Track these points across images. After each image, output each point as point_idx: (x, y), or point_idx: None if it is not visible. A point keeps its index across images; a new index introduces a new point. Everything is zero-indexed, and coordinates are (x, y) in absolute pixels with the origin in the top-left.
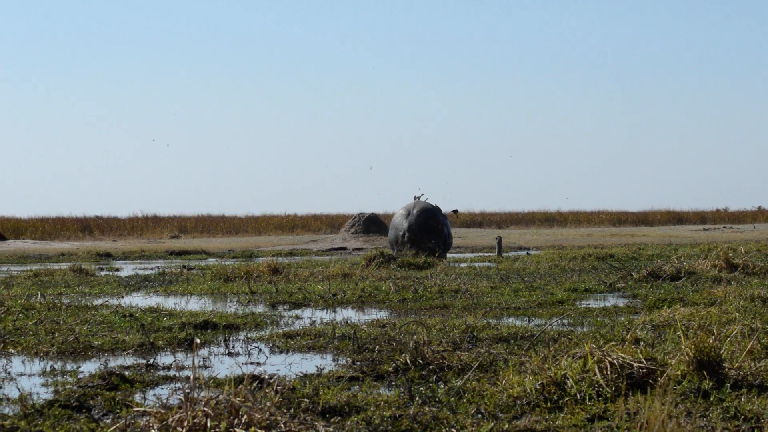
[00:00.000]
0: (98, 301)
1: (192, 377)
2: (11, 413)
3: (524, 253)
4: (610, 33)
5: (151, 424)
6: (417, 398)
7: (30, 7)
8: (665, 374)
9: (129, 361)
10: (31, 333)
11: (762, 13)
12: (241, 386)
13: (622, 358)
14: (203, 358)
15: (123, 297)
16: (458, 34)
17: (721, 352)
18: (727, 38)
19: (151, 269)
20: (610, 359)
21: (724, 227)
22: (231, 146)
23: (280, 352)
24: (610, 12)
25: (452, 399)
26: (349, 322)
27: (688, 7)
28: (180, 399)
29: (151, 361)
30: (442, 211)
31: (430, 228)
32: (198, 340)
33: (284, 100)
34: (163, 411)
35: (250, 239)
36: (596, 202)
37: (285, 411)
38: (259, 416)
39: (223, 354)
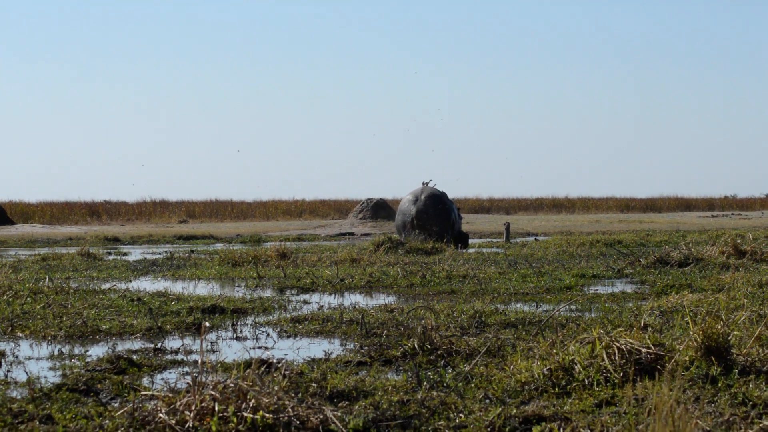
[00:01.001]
0: (106, 286)
1: (200, 361)
2: (19, 397)
3: (532, 238)
4: (619, 20)
5: (158, 408)
6: (425, 383)
7: None
8: (673, 360)
9: (137, 345)
10: (39, 317)
11: None
12: (249, 370)
13: (630, 343)
14: (211, 343)
15: (131, 281)
16: (467, 19)
17: (729, 338)
18: (735, 26)
19: (159, 254)
20: (618, 345)
21: (732, 214)
22: (240, 131)
23: (288, 337)
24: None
25: (460, 384)
26: (356, 307)
27: None
28: (188, 383)
29: (159, 345)
30: (449, 197)
31: (437, 214)
32: (206, 324)
33: (293, 85)
34: (170, 395)
35: (258, 224)
36: (605, 189)
37: (293, 395)
38: (267, 400)
39: (231, 338)
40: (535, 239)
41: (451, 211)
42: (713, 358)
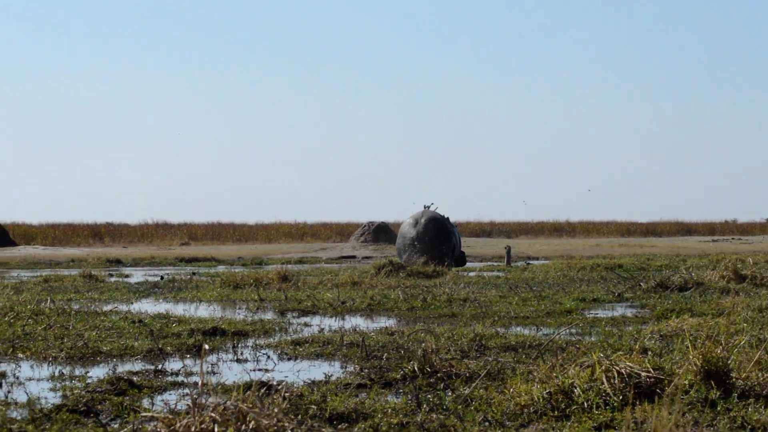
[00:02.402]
0: (107, 307)
1: (200, 383)
2: (20, 417)
3: (531, 262)
4: (625, 45)
5: (158, 429)
6: (424, 406)
7: (42, 9)
8: (673, 384)
9: (137, 366)
10: (40, 338)
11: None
12: (249, 392)
13: (630, 367)
14: (212, 365)
15: (132, 303)
16: (469, 40)
17: (729, 362)
18: (736, 49)
19: (161, 276)
20: (617, 368)
21: (732, 238)
22: (242, 154)
23: (289, 359)
24: (611, 14)
25: (460, 407)
26: (357, 329)
27: (700, 16)
28: (188, 404)
29: (160, 366)
30: (450, 221)
31: (438, 237)
32: (207, 346)
33: (295, 108)
34: (170, 416)
35: (259, 247)
36: (605, 213)
37: (292, 417)
38: (267, 422)
39: (231, 360)
40: (527, 263)
41: (452, 234)
42: (713, 382)
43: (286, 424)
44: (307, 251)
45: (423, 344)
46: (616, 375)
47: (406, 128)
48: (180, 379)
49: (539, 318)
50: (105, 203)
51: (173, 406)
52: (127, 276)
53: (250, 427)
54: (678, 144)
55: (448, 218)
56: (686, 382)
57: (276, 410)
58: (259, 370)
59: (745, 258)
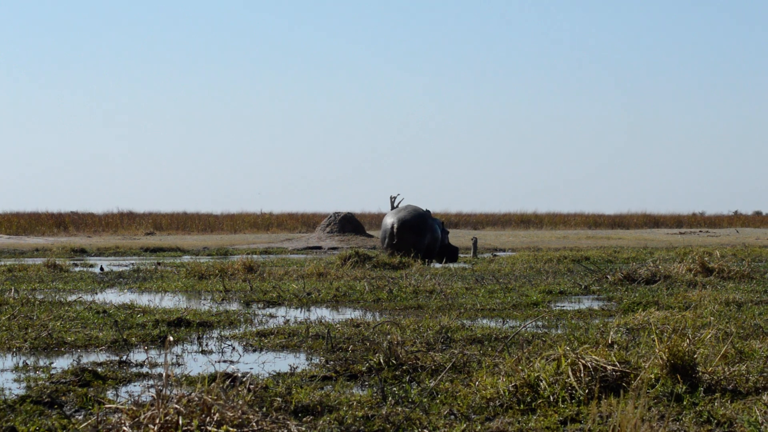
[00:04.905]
0: (72, 297)
1: (164, 375)
2: None
3: (497, 254)
4: (593, 37)
5: (122, 421)
6: (390, 398)
7: (13, 2)
8: (639, 377)
9: (102, 357)
10: (3, 328)
11: (747, 20)
12: (213, 384)
13: (596, 360)
14: (176, 356)
15: (97, 293)
16: (439, 35)
17: (695, 356)
18: (707, 46)
19: (126, 266)
20: (583, 362)
21: (700, 231)
22: (208, 143)
23: (254, 351)
24: (594, 15)
25: (425, 399)
26: (323, 321)
27: (676, 12)
28: (152, 396)
29: (124, 357)
30: (431, 215)
31: (417, 231)
32: (171, 338)
33: (262, 98)
34: (135, 408)
35: (225, 237)
36: (573, 205)
37: (257, 410)
38: (231, 414)
39: (196, 352)
40: (493, 255)
41: (433, 229)
42: (679, 376)
43: (251, 417)
44: (272, 241)
45: (388, 336)
46: (582, 368)
47: (373, 119)
48: (145, 370)
49: (505, 310)
50: (70, 192)
51: (138, 398)
52: (91, 265)
53: (215, 419)
54: (646, 136)
55: (428, 211)
56: (652, 375)
57: (241, 402)
58: (224, 361)
59: (713, 251)
